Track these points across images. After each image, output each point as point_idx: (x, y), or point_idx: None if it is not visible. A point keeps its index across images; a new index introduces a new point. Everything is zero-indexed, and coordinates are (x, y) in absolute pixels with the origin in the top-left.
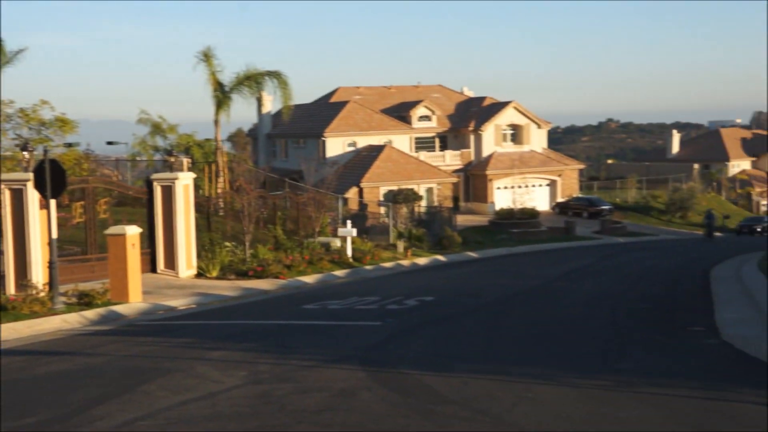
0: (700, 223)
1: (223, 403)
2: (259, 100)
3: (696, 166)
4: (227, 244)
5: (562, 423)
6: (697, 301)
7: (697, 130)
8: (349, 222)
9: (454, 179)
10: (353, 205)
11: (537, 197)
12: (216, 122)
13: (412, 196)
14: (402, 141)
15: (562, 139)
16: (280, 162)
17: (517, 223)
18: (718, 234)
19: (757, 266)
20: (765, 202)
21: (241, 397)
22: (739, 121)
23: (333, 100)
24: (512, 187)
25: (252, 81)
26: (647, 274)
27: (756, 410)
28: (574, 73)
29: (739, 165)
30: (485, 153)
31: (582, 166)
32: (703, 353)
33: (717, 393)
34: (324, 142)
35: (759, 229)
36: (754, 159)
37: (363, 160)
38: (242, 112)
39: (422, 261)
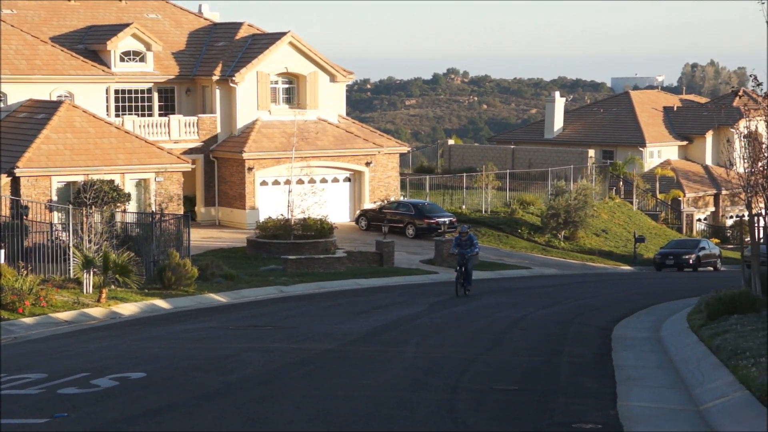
0: (587, 249)
1: None
2: None
3: (591, 153)
4: None
5: None
6: (589, 379)
7: (593, 93)
8: None
9: (187, 166)
10: (1, 208)
11: (331, 200)
12: None
13: (111, 195)
14: (93, 95)
15: (372, 103)
16: None
17: (297, 244)
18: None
19: (687, 323)
20: (702, 216)
21: None
22: (660, 79)
23: None
24: (288, 183)
25: None
26: (510, 331)
27: None
28: None
29: (662, 152)
30: (242, 121)
31: (406, 149)
32: None
33: None
34: None
35: (691, 261)
36: (684, 143)
37: (20, 127)
38: None
39: (128, 309)
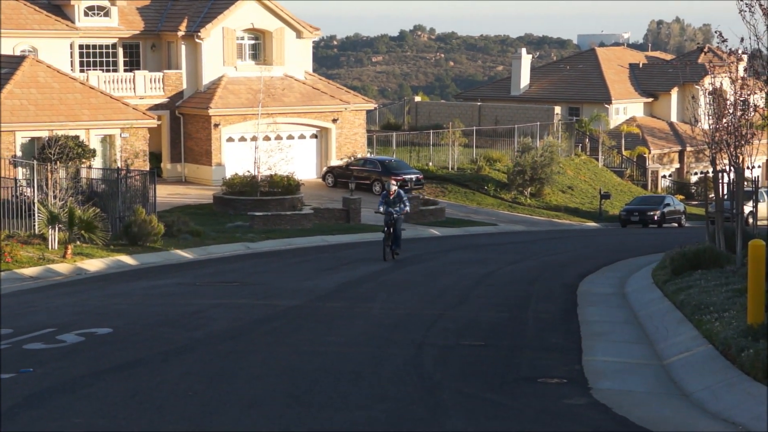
0: (553, 206)
1: None
2: None
3: (557, 110)
4: None
5: None
6: (555, 334)
7: (560, 50)
8: None
9: (153, 122)
10: None
11: (298, 157)
12: None
13: (76, 151)
14: (57, 50)
15: (339, 60)
16: None
17: (264, 201)
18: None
19: (651, 278)
20: (667, 172)
21: None
22: (626, 36)
23: None
24: (254, 139)
25: None
26: (477, 288)
27: None
28: None
29: (627, 109)
30: (208, 78)
31: (372, 106)
32: (562, 422)
33: None
34: None
35: (656, 217)
36: (649, 100)
37: None
38: None
39: (94, 265)
